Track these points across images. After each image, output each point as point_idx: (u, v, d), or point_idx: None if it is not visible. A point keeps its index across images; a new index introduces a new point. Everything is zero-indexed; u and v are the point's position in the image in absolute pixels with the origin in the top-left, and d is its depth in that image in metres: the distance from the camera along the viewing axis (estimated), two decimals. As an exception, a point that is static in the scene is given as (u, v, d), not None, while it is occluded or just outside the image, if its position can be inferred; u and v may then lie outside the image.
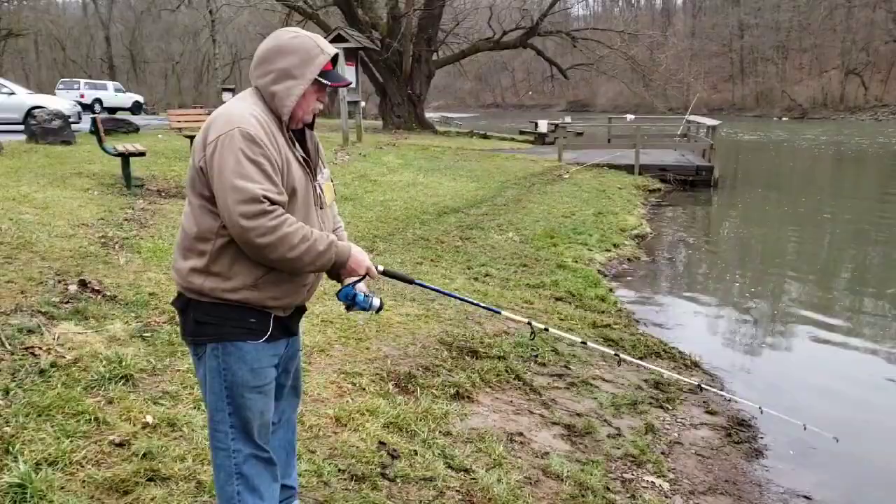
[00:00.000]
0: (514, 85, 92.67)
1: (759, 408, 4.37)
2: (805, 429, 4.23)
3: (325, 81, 2.40)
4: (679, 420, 5.08)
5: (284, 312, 2.46)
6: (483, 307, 3.48)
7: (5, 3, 46.52)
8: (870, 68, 68.02)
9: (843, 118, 62.95)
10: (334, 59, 2.45)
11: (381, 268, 2.56)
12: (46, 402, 3.42)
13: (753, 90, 74.93)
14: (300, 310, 2.59)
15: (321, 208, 2.48)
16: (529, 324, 3.23)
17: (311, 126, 2.52)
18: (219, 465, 2.47)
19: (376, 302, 2.56)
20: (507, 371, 5.15)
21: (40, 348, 4.00)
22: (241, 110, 2.31)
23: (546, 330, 3.48)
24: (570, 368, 5.57)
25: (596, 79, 63.27)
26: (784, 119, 65.35)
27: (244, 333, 2.37)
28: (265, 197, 2.19)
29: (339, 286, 2.55)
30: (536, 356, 5.56)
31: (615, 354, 3.85)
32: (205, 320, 2.38)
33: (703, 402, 5.48)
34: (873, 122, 58.75)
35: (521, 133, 31.90)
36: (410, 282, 2.89)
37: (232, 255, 2.31)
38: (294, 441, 2.81)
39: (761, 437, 5.04)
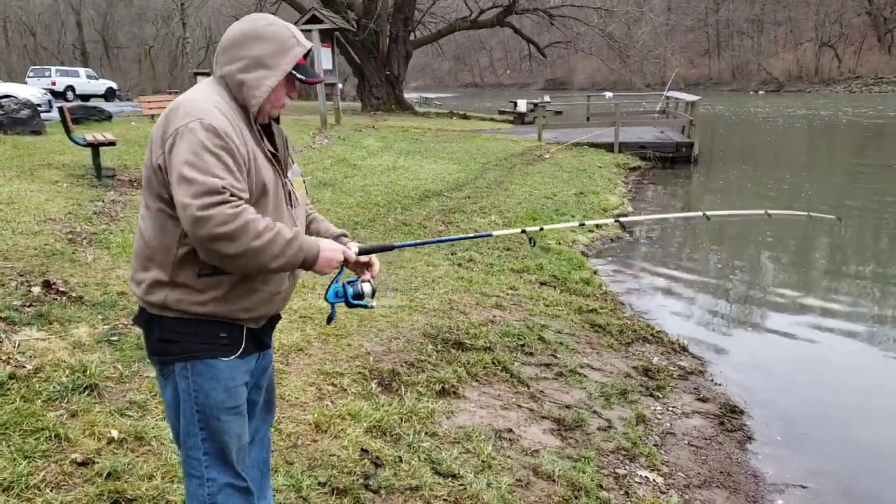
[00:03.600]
0: (491, 64, 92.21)
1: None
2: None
3: (300, 76, 2.19)
4: (671, 409, 4.95)
5: (257, 324, 2.25)
6: (472, 237, 3.48)
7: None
8: (843, 41, 68.34)
9: (818, 90, 63.33)
10: (308, 54, 2.24)
11: (356, 248, 2.34)
12: (3, 420, 3.19)
13: (730, 64, 75.08)
14: (273, 320, 2.37)
15: (292, 206, 2.26)
16: (523, 231, 3.11)
17: (276, 120, 2.31)
18: (191, 494, 2.26)
19: (367, 288, 2.32)
20: (493, 363, 4.98)
21: (-1, 358, 3.77)
22: (204, 100, 2.08)
23: (541, 229, 3.25)
24: (557, 357, 5.41)
25: (573, 56, 63.07)
26: (761, 92, 65.62)
27: (215, 350, 2.14)
28: (224, 188, 1.95)
29: (327, 285, 2.35)
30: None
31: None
32: (170, 337, 2.14)
33: (694, 388, 5.36)
34: (847, 93, 59.17)
35: (501, 113, 31.62)
36: (391, 248, 2.69)
37: (199, 264, 2.08)
38: (268, 458, 2.61)
39: (754, 424, 4.93)
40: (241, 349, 2.18)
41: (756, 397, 5.34)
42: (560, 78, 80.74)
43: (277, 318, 2.40)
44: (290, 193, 2.26)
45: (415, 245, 2.65)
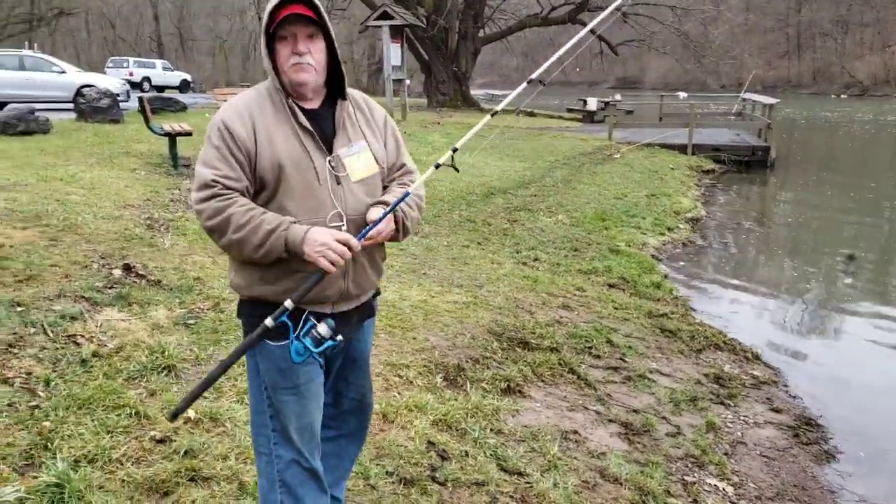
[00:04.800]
0: (561, 61, 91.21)
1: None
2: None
3: (269, 22, 2.16)
4: (742, 418, 4.81)
5: (321, 308, 2.23)
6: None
7: (57, -18, 47.30)
8: (935, 43, 65.22)
9: (907, 95, 60.53)
10: (304, 3, 2.16)
11: (359, 242, 2.14)
12: (87, 395, 3.32)
13: (810, 66, 72.53)
14: (357, 311, 2.35)
15: (338, 184, 2.20)
16: (437, 166, 2.53)
17: (343, 96, 2.31)
18: (261, 471, 2.32)
19: (323, 328, 2.14)
20: (560, 364, 4.93)
21: (83, 336, 3.92)
22: (237, 97, 2.26)
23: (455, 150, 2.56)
24: (625, 361, 5.32)
25: (646, 55, 61.89)
26: (843, 96, 63.14)
27: (267, 333, 2.16)
28: (215, 181, 2.10)
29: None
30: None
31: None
32: (242, 318, 2.31)
33: (767, 398, 5.19)
34: (938, 99, 56.32)
35: (570, 111, 31.27)
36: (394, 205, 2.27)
37: None
38: (355, 456, 2.65)
39: (831, 438, 4.74)
40: (296, 333, 2.17)
41: (833, 411, 5.14)
42: (631, 77, 79.41)
43: (368, 309, 2.39)
44: (331, 171, 2.20)
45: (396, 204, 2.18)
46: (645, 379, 5.06)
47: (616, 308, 6.44)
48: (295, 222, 2.11)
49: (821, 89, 68.19)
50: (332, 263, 2.08)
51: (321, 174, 2.17)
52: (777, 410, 4.96)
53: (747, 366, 5.79)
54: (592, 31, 2.70)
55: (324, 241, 2.07)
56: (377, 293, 2.47)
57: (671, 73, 64.42)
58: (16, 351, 3.66)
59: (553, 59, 2.51)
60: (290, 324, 2.15)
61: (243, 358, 2.23)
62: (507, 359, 4.84)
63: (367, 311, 2.42)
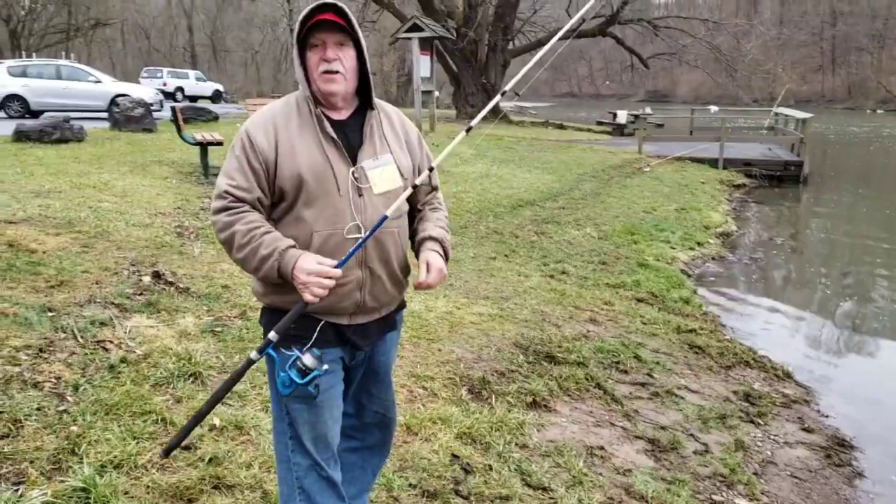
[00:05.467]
0: (590, 74, 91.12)
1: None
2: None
3: (301, 28, 2.18)
4: (772, 437, 4.71)
5: (337, 319, 2.23)
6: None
7: (94, -6, 48.35)
8: (974, 58, 63.98)
9: (944, 111, 59.38)
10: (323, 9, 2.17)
11: (338, 271, 2.10)
12: (115, 400, 3.35)
13: (845, 81, 71.52)
14: (377, 324, 2.34)
15: (360, 196, 2.18)
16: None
17: (371, 106, 2.31)
18: (282, 478, 2.32)
19: (308, 359, 2.10)
20: (586, 378, 4.87)
21: (111, 342, 3.96)
22: (265, 107, 2.29)
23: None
24: (653, 377, 5.25)
25: (676, 69, 61.50)
26: (879, 111, 62.09)
27: (283, 341, 2.16)
28: (227, 192, 2.14)
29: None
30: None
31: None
32: (262, 324, 2.33)
33: (798, 417, 5.09)
34: (977, 115, 55.17)
35: (599, 124, 31.16)
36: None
37: None
38: (378, 468, 2.64)
39: (863, 460, 4.62)
40: (311, 342, 2.16)
41: (866, 432, 5.02)
42: (662, 90, 78.94)
43: (389, 322, 2.38)
44: (353, 182, 2.18)
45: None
46: (673, 395, 4.99)
47: (644, 323, 6.37)
48: (293, 246, 2.10)
49: (856, 104, 67.16)
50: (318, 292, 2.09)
51: (342, 185, 2.17)
52: (808, 430, 4.86)
53: (778, 384, 5.68)
54: (561, 40, 2.65)
55: (309, 271, 2.06)
56: (402, 306, 2.45)
57: (702, 86, 63.99)
58: (46, 356, 3.71)
59: (523, 71, 2.51)
60: (275, 356, 2.17)
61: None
62: (532, 372, 4.80)
63: (389, 324, 2.40)
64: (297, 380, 2.10)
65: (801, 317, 8.04)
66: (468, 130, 2.39)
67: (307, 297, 2.07)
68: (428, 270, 2.26)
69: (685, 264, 9.36)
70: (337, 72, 2.18)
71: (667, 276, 8.18)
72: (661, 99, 74.13)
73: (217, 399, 2.21)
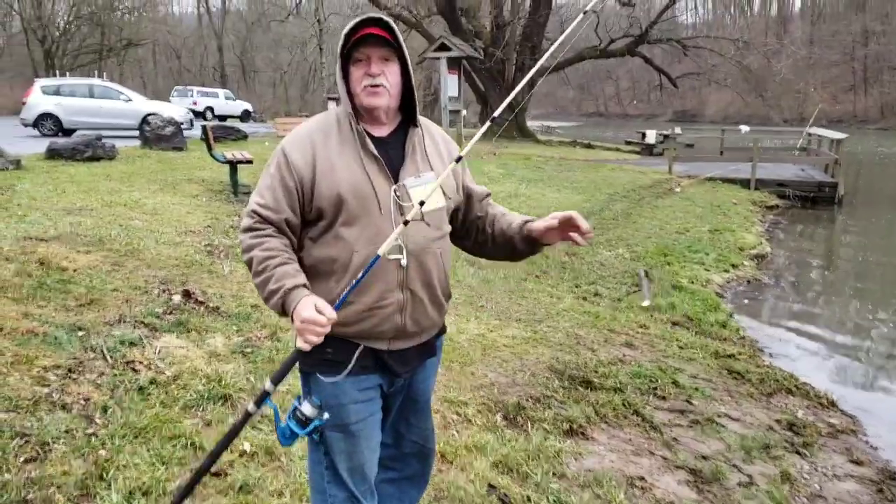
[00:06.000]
0: (617, 94, 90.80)
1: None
2: None
3: (345, 42, 2.11)
4: (819, 469, 4.51)
5: (375, 344, 2.12)
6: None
7: (127, 15, 49.32)
8: None
9: (980, 131, 58.24)
10: (368, 24, 2.10)
11: (332, 314, 1.98)
12: (143, 424, 3.27)
13: (878, 101, 70.42)
14: (417, 349, 2.23)
15: (402, 214, 2.07)
16: None
17: (414, 123, 2.23)
18: None
19: (308, 408, 2.05)
20: (624, 405, 4.71)
21: (141, 363, 3.89)
22: (304, 123, 2.23)
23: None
24: (692, 403, 5.07)
25: (705, 88, 61.21)
26: (912, 132, 61.05)
27: (318, 365, 2.10)
28: (255, 211, 2.10)
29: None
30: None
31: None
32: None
33: (846, 448, 4.87)
34: None
35: (627, 143, 30.96)
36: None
37: None
38: (416, 500, 2.52)
39: (918, 495, 4.40)
40: (348, 369, 2.08)
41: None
42: (690, 110, 78.33)
43: (430, 348, 2.28)
44: (396, 200, 2.09)
45: None
46: (713, 423, 4.81)
47: (681, 347, 6.19)
48: (300, 286, 2.01)
49: (889, 124, 66.04)
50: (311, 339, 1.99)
51: (384, 204, 2.07)
52: (858, 462, 4.64)
53: (822, 413, 5.47)
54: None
55: (304, 318, 1.95)
56: (442, 331, 2.35)
57: (731, 106, 63.40)
58: (75, 376, 3.65)
59: (504, 103, 2.45)
60: (275, 408, 2.14)
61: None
62: (568, 398, 4.66)
63: (429, 350, 2.29)
64: (297, 430, 2.04)
65: (840, 342, 7.79)
66: (458, 160, 2.25)
67: (299, 343, 1.99)
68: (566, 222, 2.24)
69: (720, 287, 9.16)
70: (381, 85, 2.11)
71: (702, 299, 7.99)
72: (690, 119, 73.51)
73: (216, 455, 2.15)
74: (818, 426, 5.13)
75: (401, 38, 2.14)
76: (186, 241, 7.16)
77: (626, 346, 5.97)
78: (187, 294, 5.15)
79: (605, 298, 7.47)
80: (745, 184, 17.74)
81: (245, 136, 20.14)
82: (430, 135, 2.28)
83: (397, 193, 2.09)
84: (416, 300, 2.14)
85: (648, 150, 26.92)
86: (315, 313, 1.95)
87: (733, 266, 10.04)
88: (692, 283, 8.73)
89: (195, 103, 36.27)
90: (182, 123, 18.11)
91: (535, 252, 2.38)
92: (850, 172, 22.72)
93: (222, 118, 35.69)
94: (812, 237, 14.25)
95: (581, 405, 4.57)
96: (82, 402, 3.39)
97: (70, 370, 3.71)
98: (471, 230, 2.39)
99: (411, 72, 2.19)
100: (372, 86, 2.10)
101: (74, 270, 5.46)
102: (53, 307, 4.66)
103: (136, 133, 18.01)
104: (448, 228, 2.27)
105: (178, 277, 5.74)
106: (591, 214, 12.51)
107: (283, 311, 2.02)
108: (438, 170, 2.21)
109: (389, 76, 2.12)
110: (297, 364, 2.13)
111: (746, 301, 8.97)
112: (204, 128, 11.75)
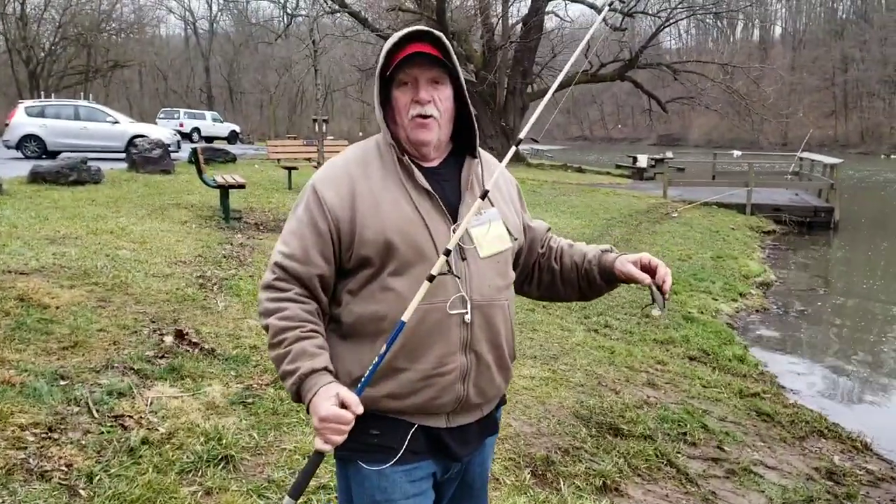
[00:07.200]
0: (602, 118, 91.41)
1: None
2: None
3: (386, 61, 1.74)
4: (867, 524, 4.17)
5: (432, 421, 1.74)
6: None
7: (113, 36, 48.98)
8: None
9: (959, 156, 59.00)
10: (410, 40, 1.74)
11: (360, 408, 1.61)
12: (135, 494, 2.84)
13: (858, 126, 71.36)
14: (479, 425, 1.84)
15: (463, 259, 1.73)
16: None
17: (473, 153, 1.86)
18: None
19: None
20: (656, 455, 4.34)
21: (131, 417, 3.47)
22: (340, 154, 1.86)
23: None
24: (724, 450, 4.72)
25: (689, 112, 61.55)
26: (893, 157, 61.76)
27: (361, 450, 1.71)
28: (277, 264, 1.73)
29: None
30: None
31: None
32: None
33: (891, 499, 4.54)
34: None
35: (618, 167, 30.88)
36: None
37: (335, 337, 1.76)
38: None
39: (972, 552, 4.06)
40: (399, 455, 1.70)
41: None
42: (674, 133, 78.79)
43: (485, 423, 1.87)
44: (459, 244, 1.72)
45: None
46: (750, 473, 4.46)
47: (704, 386, 5.85)
48: (320, 370, 1.64)
49: (869, 149, 66.88)
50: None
51: (441, 248, 1.68)
52: (907, 516, 4.31)
53: (859, 458, 5.14)
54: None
55: (322, 417, 1.58)
56: (502, 402, 1.97)
57: (715, 130, 63.91)
58: (56, 436, 3.21)
59: (529, 125, 2.16)
60: None
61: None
62: (598, 448, 4.28)
63: (491, 426, 1.91)
64: None
65: (862, 376, 7.49)
66: (484, 196, 1.91)
67: (318, 444, 1.61)
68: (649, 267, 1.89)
69: (730, 317, 8.85)
70: (430, 115, 1.74)
71: (715, 331, 7.68)
72: (674, 142, 73.90)
73: None
74: (857, 473, 4.81)
75: (454, 56, 1.78)
76: (177, 273, 6.73)
77: (649, 385, 5.61)
78: (180, 334, 4.73)
79: (616, 331, 7.14)
80: (741, 209, 17.59)
81: (234, 159, 19.78)
82: (488, 165, 1.91)
83: (451, 236, 1.71)
84: (482, 364, 1.76)
85: (640, 174, 26.83)
86: (337, 409, 1.58)
87: (741, 295, 9.75)
88: (702, 313, 8.41)
89: (182, 125, 35.95)
90: (169, 146, 17.73)
91: (612, 288, 2.01)
92: (842, 196, 22.64)
93: (209, 140, 35.35)
94: (814, 263, 14.02)
95: (612, 456, 4.20)
96: (64, 468, 2.96)
97: (50, 429, 3.27)
98: (534, 272, 2.05)
99: (466, 95, 1.83)
100: (421, 116, 1.74)
101: (57, 308, 5.03)
102: (33, 351, 4.23)
103: (123, 156, 17.60)
104: (513, 276, 1.91)
105: (170, 314, 5.32)
106: (590, 240, 12.15)
107: (299, 398, 1.66)
108: (501, 206, 1.86)
109: (440, 103, 1.76)
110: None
111: (758, 332, 8.68)
112: (194, 150, 11.35)
